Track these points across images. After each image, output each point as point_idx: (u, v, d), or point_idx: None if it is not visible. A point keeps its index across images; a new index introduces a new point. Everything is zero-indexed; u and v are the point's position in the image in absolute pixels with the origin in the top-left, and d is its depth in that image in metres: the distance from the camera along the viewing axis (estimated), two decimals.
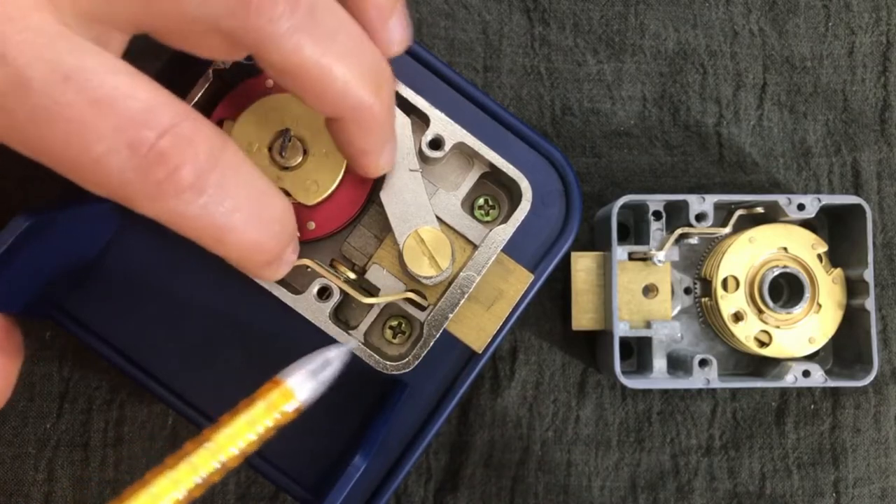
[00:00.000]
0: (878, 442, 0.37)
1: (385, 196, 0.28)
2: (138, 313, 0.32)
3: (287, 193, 0.27)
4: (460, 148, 0.28)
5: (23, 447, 0.36)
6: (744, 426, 0.37)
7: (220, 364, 0.32)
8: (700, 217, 0.34)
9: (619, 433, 0.37)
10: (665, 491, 0.36)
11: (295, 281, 0.30)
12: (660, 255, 0.34)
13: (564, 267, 0.35)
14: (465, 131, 0.28)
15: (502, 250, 0.29)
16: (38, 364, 0.36)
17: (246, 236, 0.21)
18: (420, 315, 0.29)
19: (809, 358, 0.35)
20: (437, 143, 0.28)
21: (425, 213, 0.28)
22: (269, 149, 0.27)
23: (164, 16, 0.20)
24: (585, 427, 0.36)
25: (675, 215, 0.35)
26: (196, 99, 0.27)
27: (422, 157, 0.28)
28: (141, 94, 0.19)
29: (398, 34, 0.24)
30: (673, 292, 0.35)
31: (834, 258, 0.35)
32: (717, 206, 0.34)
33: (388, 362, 0.28)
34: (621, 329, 0.34)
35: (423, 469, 0.36)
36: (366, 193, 0.28)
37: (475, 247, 0.29)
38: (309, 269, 0.28)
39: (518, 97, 0.37)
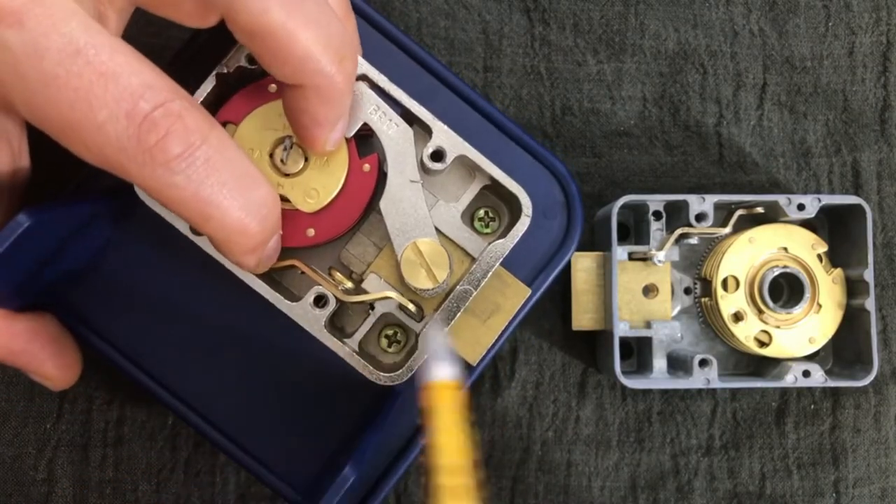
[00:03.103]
0: (878, 442, 0.37)
1: (385, 206, 0.28)
2: (137, 313, 0.32)
3: (287, 200, 0.27)
4: (462, 160, 0.28)
5: (23, 447, 0.36)
6: (744, 426, 0.37)
7: (217, 365, 0.32)
8: (700, 217, 0.34)
9: (620, 433, 0.37)
10: (665, 491, 0.36)
11: (292, 286, 0.30)
12: (660, 255, 0.34)
13: (565, 267, 0.35)
14: (467, 144, 0.28)
15: (501, 263, 0.28)
16: None
17: (231, 215, 0.22)
18: (416, 326, 0.29)
19: (809, 358, 0.35)
20: (438, 156, 0.28)
21: (424, 224, 0.28)
22: (271, 155, 0.28)
23: None
24: (585, 427, 0.36)
25: (675, 215, 0.35)
26: (199, 101, 0.27)
27: (423, 168, 0.28)
28: (141, 72, 0.21)
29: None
30: (673, 292, 0.35)
31: (834, 258, 0.35)
32: (717, 206, 0.34)
33: (380, 373, 0.28)
34: (621, 329, 0.34)
35: (423, 469, 0.36)
36: (365, 202, 0.28)
37: (473, 260, 0.29)
38: (301, 273, 0.28)
39: (518, 97, 0.37)
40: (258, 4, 0.22)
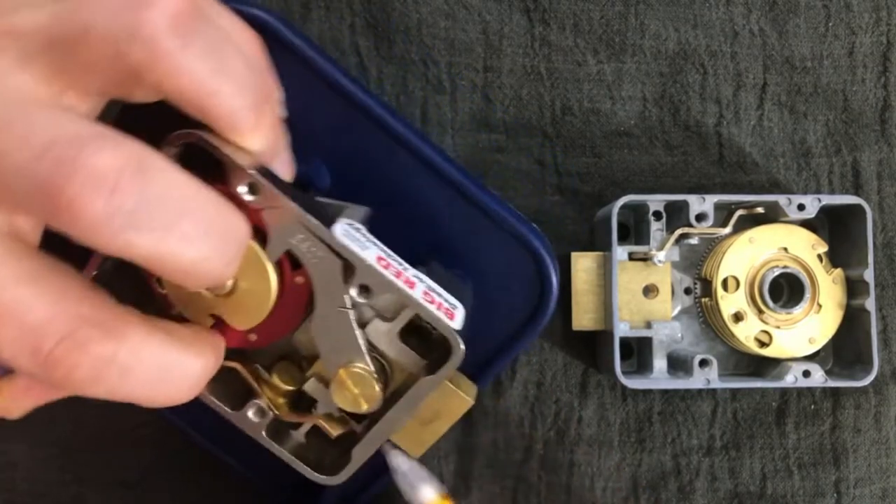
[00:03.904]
0: (878, 442, 0.37)
1: (315, 330, 0.27)
2: None
3: (223, 321, 0.26)
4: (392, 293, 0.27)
5: (50, 448, 0.36)
6: (744, 426, 0.37)
7: None
8: (700, 217, 0.34)
9: (621, 433, 0.37)
10: (667, 491, 0.36)
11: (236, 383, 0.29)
12: (660, 256, 0.34)
13: (565, 266, 0.35)
14: (397, 282, 0.26)
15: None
16: None
17: (153, 402, 0.22)
18: (355, 427, 0.29)
19: (809, 358, 0.35)
20: (366, 289, 0.26)
21: (355, 350, 0.27)
22: None
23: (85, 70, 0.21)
24: (587, 427, 0.37)
25: (676, 215, 0.35)
26: None
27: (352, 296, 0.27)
28: (40, 305, 0.20)
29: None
30: (673, 292, 0.36)
31: (834, 258, 0.35)
32: (718, 206, 0.34)
33: (319, 477, 0.28)
34: (621, 329, 0.34)
35: (433, 472, 0.36)
36: (303, 311, 0.27)
37: (410, 374, 0.28)
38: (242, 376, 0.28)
39: (518, 97, 0.37)
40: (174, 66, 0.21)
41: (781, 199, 0.34)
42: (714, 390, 0.37)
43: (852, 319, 0.35)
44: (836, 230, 0.36)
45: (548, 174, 0.37)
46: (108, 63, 0.21)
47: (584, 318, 0.35)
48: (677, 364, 0.35)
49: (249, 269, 0.25)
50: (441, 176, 0.32)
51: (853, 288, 0.35)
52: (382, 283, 0.26)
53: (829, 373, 0.35)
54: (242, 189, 0.24)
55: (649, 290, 0.35)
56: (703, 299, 0.35)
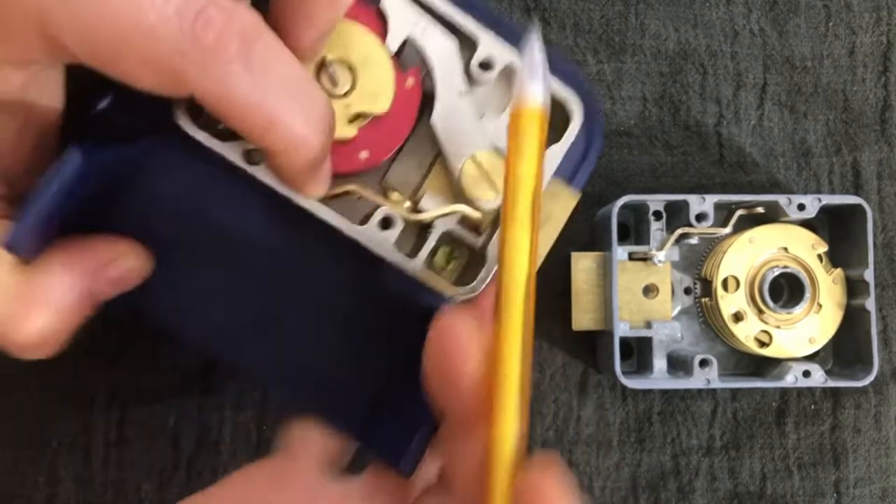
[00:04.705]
0: (878, 442, 0.37)
1: (436, 122, 0.27)
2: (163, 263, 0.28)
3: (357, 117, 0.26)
4: (509, 69, 0.27)
5: (23, 448, 0.36)
6: (744, 426, 0.37)
7: (253, 308, 0.28)
8: (700, 217, 0.34)
9: (620, 433, 0.37)
10: (666, 491, 0.36)
11: (344, 215, 0.28)
12: (660, 256, 0.34)
13: (565, 266, 0.35)
14: (514, 53, 0.27)
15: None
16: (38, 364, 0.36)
17: (294, 126, 0.22)
18: (476, 241, 0.28)
19: (810, 358, 0.35)
20: (487, 65, 0.27)
21: (478, 136, 0.27)
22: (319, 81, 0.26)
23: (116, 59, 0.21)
24: (586, 427, 0.37)
25: (676, 215, 0.35)
26: None
27: (470, 80, 0.27)
28: None
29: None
30: (673, 292, 0.35)
31: (834, 258, 0.35)
32: (718, 206, 0.34)
33: (456, 290, 0.27)
34: (621, 329, 0.34)
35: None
36: (414, 116, 0.27)
37: None
38: (358, 199, 0.27)
39: None
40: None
41: (781, 199, 0.34)
42: (714, 390, 0.37)
43: (852, 319, 0.35)
44: (836, 230, 0.36)
45: None
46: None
47: (584, 318, 0.35)
48: (677, 364, 0.35)
49: (360, 51, 0.26)
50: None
51: (853, 288, 0.35)
52: (503, 54, 0.27)
53: (829, 373, 0.35)
54: None
55: (649, 290, 0.35)
56: (703, 299, 0.35)
